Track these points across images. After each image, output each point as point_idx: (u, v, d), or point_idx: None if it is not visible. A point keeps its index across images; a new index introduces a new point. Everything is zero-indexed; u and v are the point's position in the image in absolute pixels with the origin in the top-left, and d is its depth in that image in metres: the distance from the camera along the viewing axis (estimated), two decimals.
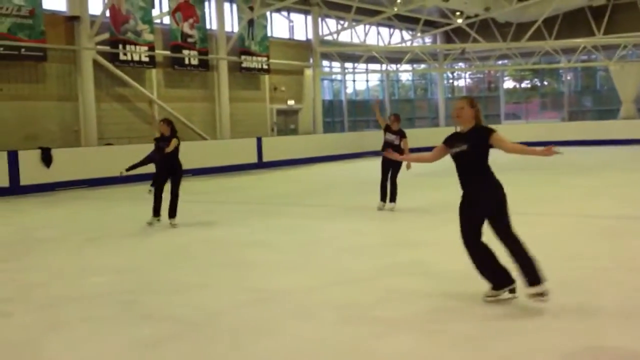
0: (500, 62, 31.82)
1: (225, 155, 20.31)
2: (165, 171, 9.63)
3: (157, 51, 19.83)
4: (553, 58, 29.10)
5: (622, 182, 13.62)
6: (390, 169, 10.47)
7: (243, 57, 22.70)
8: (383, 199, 10.55)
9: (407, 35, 30.39)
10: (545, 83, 33.07)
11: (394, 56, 29.12)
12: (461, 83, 34.32)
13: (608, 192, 12.00)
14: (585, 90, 31.48)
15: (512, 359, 3.98)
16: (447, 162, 5.37)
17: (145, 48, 19.33)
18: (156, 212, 9.60)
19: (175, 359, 4.19)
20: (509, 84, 33.49)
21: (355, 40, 28.37)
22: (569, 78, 31.50)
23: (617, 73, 27.26)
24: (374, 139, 26.58)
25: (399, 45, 29.92)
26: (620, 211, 9.73)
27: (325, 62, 27.85)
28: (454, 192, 5.34)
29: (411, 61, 29.85)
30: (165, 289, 6.00)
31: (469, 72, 33.37)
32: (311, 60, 26.11)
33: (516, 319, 4.70)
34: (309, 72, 25.92)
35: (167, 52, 20.36)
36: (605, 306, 4.92)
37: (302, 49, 26.03)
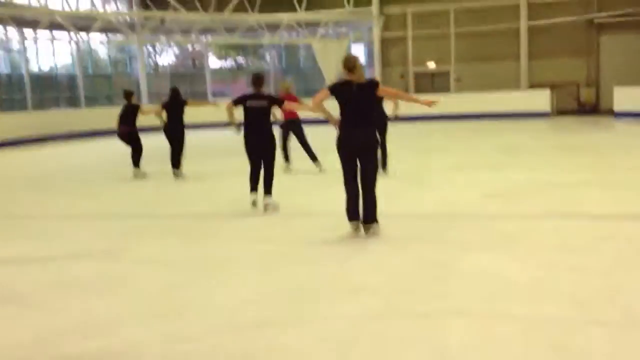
0: (203, 36, 29.85)
1: None
2: None
3: None
4: (257, 34, 28.17)
5: None
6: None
7: None
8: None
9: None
10: (250, 63, 32.26)
11: (85, 24, 25.17)
12: (165, 60, 31.67)
13: None
14: (290, 68, 31.34)
15: None
16: None
17: None
18: None
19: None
20: (214, 62, 31.91)
21: (35, 3, 23.79)
22: (272, 56, 31.02)
23: (319, 51, 27.31)
24: (66, 118, 22.95)
25: (89, 10, 25.70)
26: None
27: None
28: None
29: (104, 30, 26.18)
30: None
31: (173, 47, 30.83)
32: None
33: None
34: None
35: None
36: None
37: None
